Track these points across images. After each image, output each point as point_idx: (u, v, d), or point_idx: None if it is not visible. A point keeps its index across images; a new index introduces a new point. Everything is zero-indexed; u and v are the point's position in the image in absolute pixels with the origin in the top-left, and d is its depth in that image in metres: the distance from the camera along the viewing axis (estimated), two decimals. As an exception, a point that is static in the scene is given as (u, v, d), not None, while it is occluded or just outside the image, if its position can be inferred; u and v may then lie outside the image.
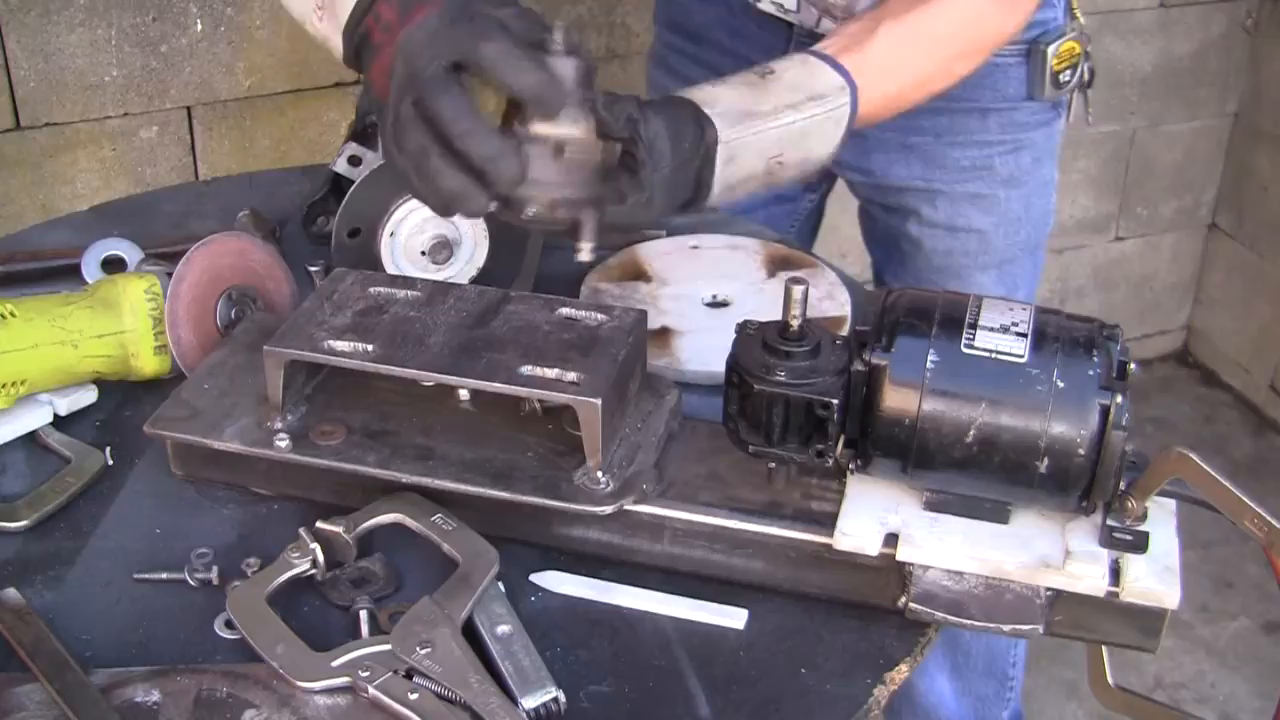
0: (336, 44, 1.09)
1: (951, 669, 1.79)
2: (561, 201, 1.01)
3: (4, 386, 1.08)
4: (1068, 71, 1.47)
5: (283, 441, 1.01)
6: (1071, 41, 1.45)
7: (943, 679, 1.80)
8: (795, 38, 1.47)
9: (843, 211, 1.75)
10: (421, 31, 0.98)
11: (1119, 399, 0.88)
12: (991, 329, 0.91)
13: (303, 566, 0.95)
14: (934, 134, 1.50)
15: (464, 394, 1.05)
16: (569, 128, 1.00)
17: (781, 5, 1.43)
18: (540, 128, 1.00)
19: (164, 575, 0.98)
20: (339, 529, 0.96)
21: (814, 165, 1.15)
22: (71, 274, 1.30)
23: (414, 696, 0.84)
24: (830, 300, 1.32)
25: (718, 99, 1.09)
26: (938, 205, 1.55)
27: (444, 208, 1.00)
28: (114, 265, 1.31)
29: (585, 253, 1.03)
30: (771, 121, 1.09)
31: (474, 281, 1.25)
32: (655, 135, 1.03)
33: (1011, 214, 1.56)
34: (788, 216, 1.71)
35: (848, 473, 0.97)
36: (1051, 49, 1.44)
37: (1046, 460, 0.89)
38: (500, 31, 0.96)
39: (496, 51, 0.95)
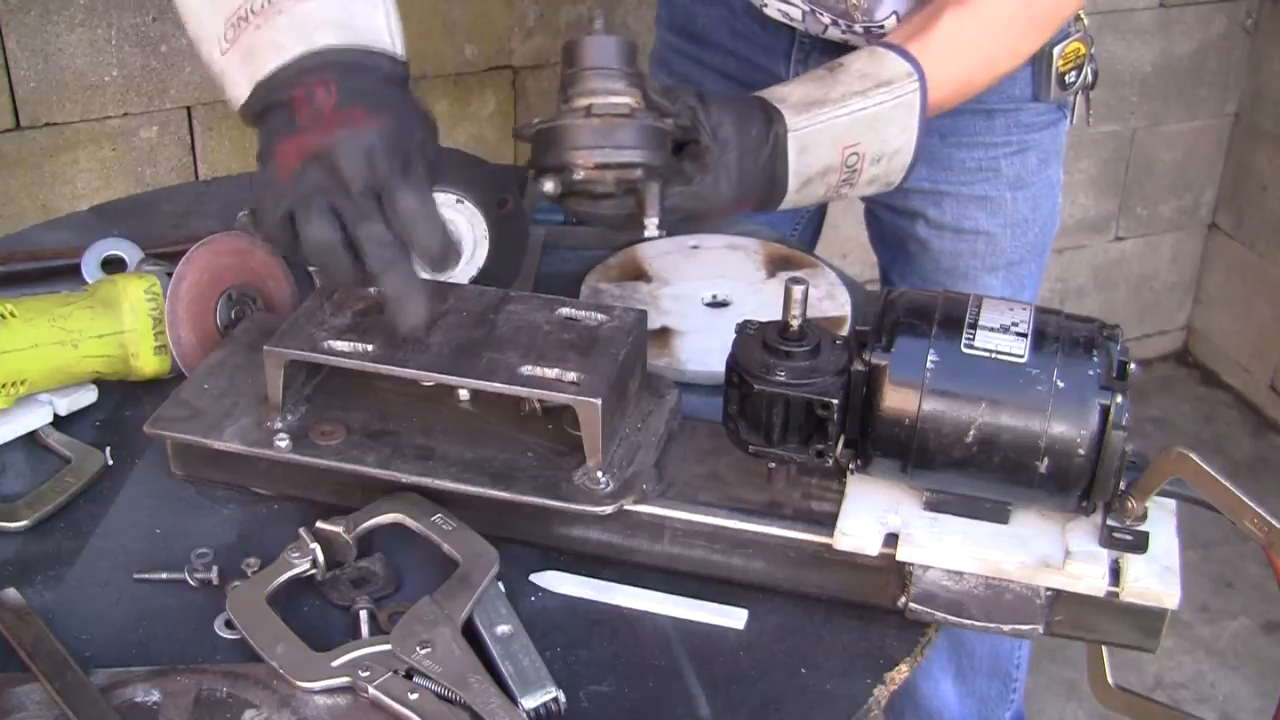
0: (237, 90, 1.05)
1: (956, 672, 1.79)
2: (607, 165, 1.02)
3: (4, 386, 1.08)
4: (1073, 72, 1.47)
5: (283, 441, 1.01)
6: (1077, 43, 1.45)
7: (947, 682, 1.79)
8: (798, 39, 1.47)
9: (844, 211, 1.76)
10: (358, 146, 0.96)
11: (1119, 399, 0.88)
12: (991, 329, 0.91)
13: (303, 566, 0.95)
14: (939, 135, 1.49)
15: (464, 394, 1.05)
16: (606, 96, 1.02)
17: (787, 14, 1.43)
18: (580, 99, 1.02)
19: (164, 575, 0.98)
20: (339, 529, 0.96)
21: (897, 161, 1.17)
22: (71, 274, 1.30)
23: (414, 696, 0.84)
24: (830, 300, 1.32)
25: (785, 95, 1.12)
26: (944, 207, 1.54)
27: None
28: (114, 265, 1.31)
29: (651, 227, 1.04)
30: (840, 108, 1.12)
31: (474, 281, 1.25)
32: (719, 121, 1.06)
33: (1019, 215, 1.56)
34: (791, 219, 1.71)
35: (848, 473, 0.97)
36: (1057, 50, 1.44)
37: (1046, 460, 0.89)
38: (424, 180, 0.97)
39: (414, 205, 0.96)
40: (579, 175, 1.03)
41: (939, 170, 1.52)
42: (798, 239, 1.66)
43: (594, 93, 1.03)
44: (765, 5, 1.44)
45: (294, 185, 0.97)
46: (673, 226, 1.12)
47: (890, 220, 1.61)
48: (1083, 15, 1.47)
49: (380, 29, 1.03)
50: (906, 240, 1.60)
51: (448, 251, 0.98)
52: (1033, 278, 1.63)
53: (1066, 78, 1.46)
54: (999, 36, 1.25)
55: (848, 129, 1.12)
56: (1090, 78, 1.50)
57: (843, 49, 1.42)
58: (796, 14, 1.42)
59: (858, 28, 1.37)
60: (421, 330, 0.99)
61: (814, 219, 1.75)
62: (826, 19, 1.39)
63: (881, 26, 1.35)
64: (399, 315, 0.98)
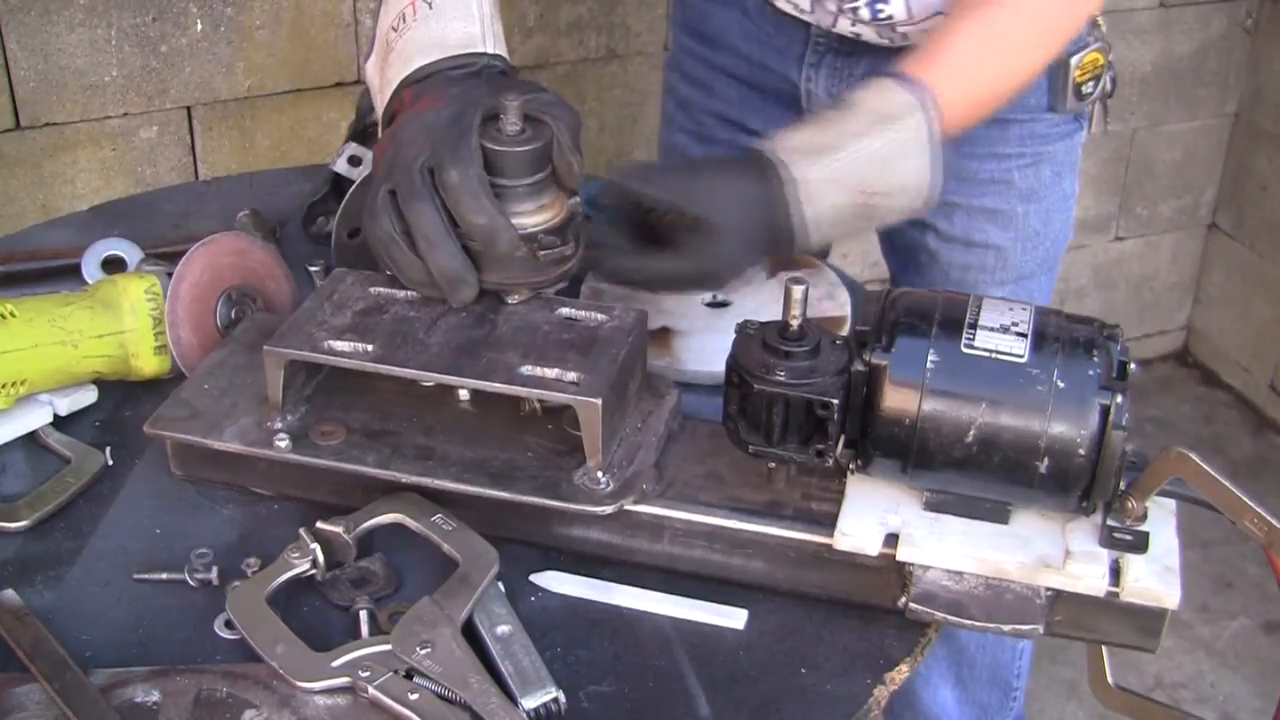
0: (380, 106, 1.15)
1: (956, 680, 1.78)
2: (540, 283, 1.06)
3: (4, 386, 1.08)
4: (1090, 83, 1.43)
5: (283, 441, 1.01)
6: (1095, 53, 1.41)
7: (947, 690, 1.78)
8: (812, 38, 1.45)
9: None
10: (416, 125, 1.03)
11: (1119, 399, 0.88)
12: (991, 329, 0.91)
13: (303, 566, 0.95)
14: (951, 145, 1.48)
15: (464, 394, 1.05)
16: (538, 217, 1.04)
17: (797, 5, 1.41)
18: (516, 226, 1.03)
19: (164, 575, 0.98)
20: (339, 529, 0.96)
21: (918, 194, 1.15)
22: (71, 274, 1.30)
23: (414, 696, 0.84)
24: (830, 300, 1.32)
25: (792, 141, 1.12)
26: (954, 219, 1.51)
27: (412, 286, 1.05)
28: (114, 265, 1.31)
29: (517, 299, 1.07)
30: (840, 153, 1.11)
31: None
32: (711, 186, 1.09)
33: (1030, 229, 1.53)
34: None
35: (848, 473, 0.97)
36: (1075, 60, 1.40)
37: (1046, 460, 0.89)
38: (473, 157, 0.99)
39: (458, 180, 0.99)
40: (514, 299, 1.06)
41: (950, 181, 1.50)
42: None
43: (530, 215, 1.04)
44: None
45: (374, 180, 1.04)
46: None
47: (900, 230, 1.59)
48: (1101, 23, 1.45)
49: (474, 36, 1.12)
50: (916, 251, 1.58)
51: (493, 229, 1.00)
52: (1042, 291, 1.60)
53: (1084, 88, 1.43)
54: (1016, 51, 1.23)
55: (854, 171, 1.11)
56: (1109, 86, 1.46)
57: (857, 47, 1.41)
58: (805, 3, 1.40)
59: (863, 13, 1.35)
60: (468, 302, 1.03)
61: None
62: (833, 7, 1.38)
63: (890, 16, 1.34)
64: (447, 295, 1.03)
